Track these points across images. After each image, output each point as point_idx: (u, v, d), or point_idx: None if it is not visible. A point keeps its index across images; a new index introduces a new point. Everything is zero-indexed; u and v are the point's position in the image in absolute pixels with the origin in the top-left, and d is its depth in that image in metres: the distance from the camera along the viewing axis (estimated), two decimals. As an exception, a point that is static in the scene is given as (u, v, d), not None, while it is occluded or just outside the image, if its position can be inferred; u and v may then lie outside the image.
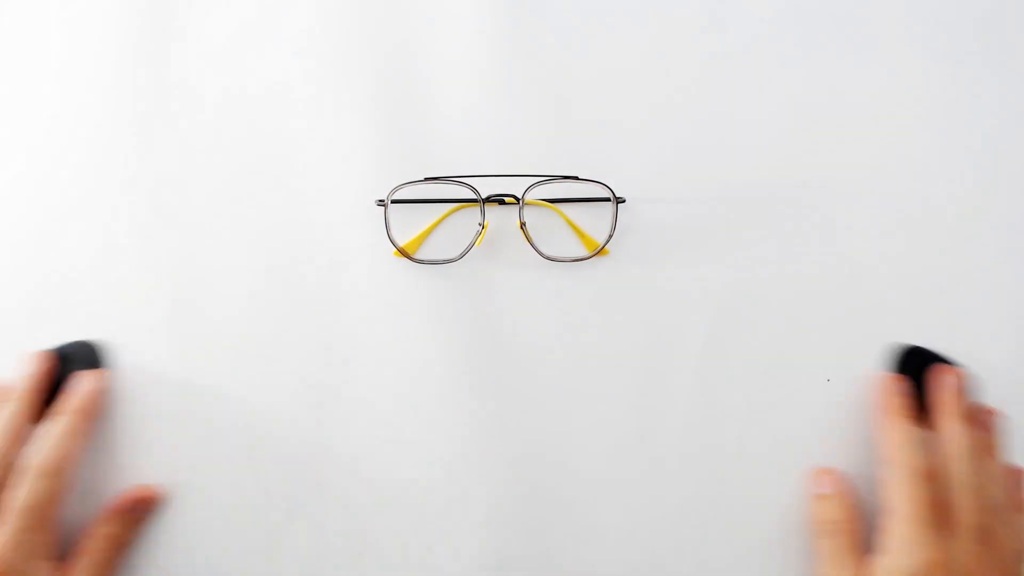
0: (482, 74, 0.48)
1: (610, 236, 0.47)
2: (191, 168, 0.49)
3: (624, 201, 0.47)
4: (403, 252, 0.47)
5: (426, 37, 0.49)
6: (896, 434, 0.43)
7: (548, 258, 0.47)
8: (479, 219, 0.47)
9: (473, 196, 0.46)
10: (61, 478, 0.41)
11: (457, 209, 0.48)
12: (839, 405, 0.47)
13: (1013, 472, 0.43)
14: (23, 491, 0.40)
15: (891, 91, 0.48)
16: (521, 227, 0.46)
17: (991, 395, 0.47)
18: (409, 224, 0.48)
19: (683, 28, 0.49)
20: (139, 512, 0.45)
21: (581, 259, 0.48)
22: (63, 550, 0.42)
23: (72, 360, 0.46)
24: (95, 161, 0.49)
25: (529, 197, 0.47)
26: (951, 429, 0.42)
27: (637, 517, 0.46)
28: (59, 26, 0.49)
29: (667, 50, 0.49)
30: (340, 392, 0.47)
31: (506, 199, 0.47)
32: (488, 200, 0.47)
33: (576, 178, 0.46)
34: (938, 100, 0.48)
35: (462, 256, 0.47)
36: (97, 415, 0.45)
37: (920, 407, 0.45)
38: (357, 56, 0.49)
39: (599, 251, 0.47)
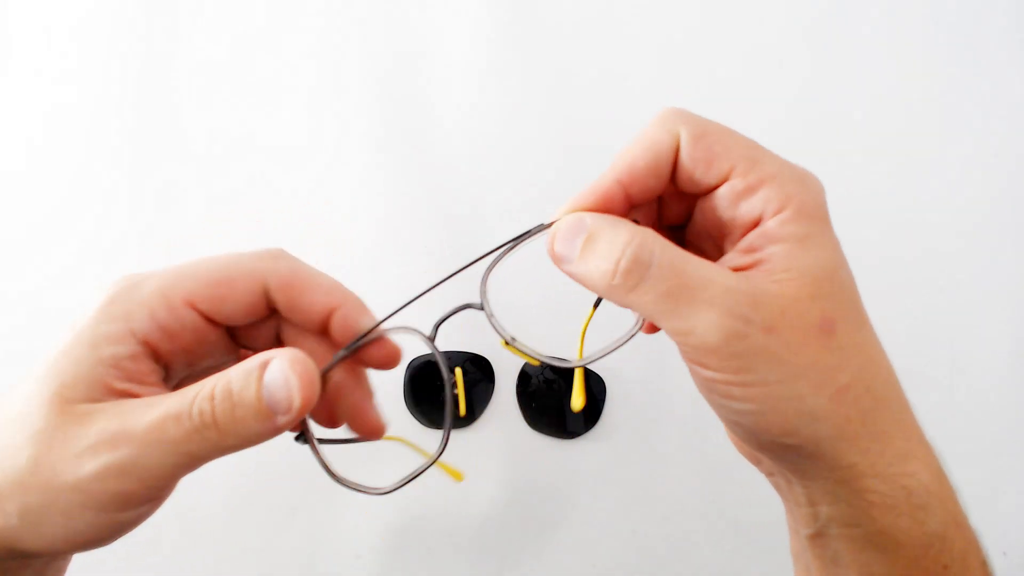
0: (482, 75, 0.48)
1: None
2: (192, 170, 0.49)
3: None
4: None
5: (428, 39, 0.49)
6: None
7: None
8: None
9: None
10: None
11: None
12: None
13: None
14: None
15: (891, 92, 0.48)
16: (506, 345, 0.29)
17: (991, 394, 0.47)
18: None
19: (683, 28, 0.49)
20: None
21: None
22: None
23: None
24: (97, 164, 0.49)
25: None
26: None
27: (637, 517, 0.47)
28: (68, 32, 0.50)
29: (667, 50, 0.49)
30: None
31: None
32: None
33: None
34: (938, 101, 0.48)
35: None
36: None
37: None
38: (358, 58, 0.49)
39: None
